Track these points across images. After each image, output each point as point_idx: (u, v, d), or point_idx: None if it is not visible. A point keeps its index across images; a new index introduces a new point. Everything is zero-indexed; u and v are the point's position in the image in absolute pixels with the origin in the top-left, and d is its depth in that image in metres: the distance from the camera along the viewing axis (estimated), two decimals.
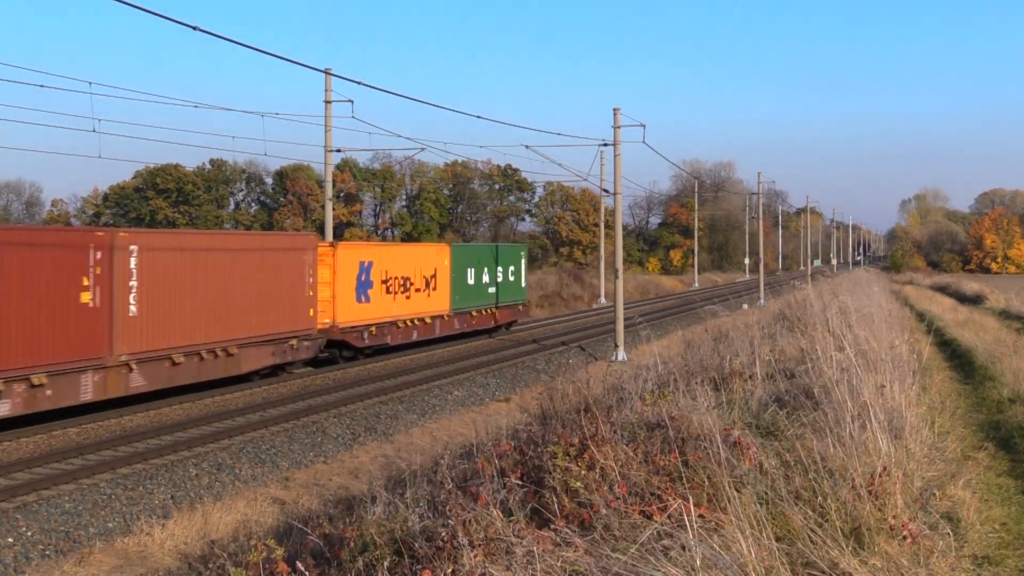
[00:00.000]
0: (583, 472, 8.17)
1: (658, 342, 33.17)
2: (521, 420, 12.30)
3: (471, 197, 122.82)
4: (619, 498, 7.75)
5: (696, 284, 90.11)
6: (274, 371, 26.79)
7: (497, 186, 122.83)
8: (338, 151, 38.31)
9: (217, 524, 14.76)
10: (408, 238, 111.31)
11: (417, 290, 33.39)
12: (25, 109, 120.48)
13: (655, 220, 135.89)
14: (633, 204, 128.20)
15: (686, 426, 9.32)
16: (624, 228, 44.31)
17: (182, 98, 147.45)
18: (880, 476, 8.01)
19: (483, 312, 38.25)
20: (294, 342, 26.55)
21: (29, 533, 13.89)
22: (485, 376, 28.90)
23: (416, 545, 7.47)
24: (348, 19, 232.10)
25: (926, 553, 7.30)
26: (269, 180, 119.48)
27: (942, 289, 73.23)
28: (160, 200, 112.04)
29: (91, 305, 19.94)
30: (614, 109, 34.05)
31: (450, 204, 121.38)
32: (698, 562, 6.08)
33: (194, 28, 13.79)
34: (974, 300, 55.94)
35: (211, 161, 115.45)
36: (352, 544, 8.07)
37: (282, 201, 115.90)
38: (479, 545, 6.98)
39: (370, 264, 30.58)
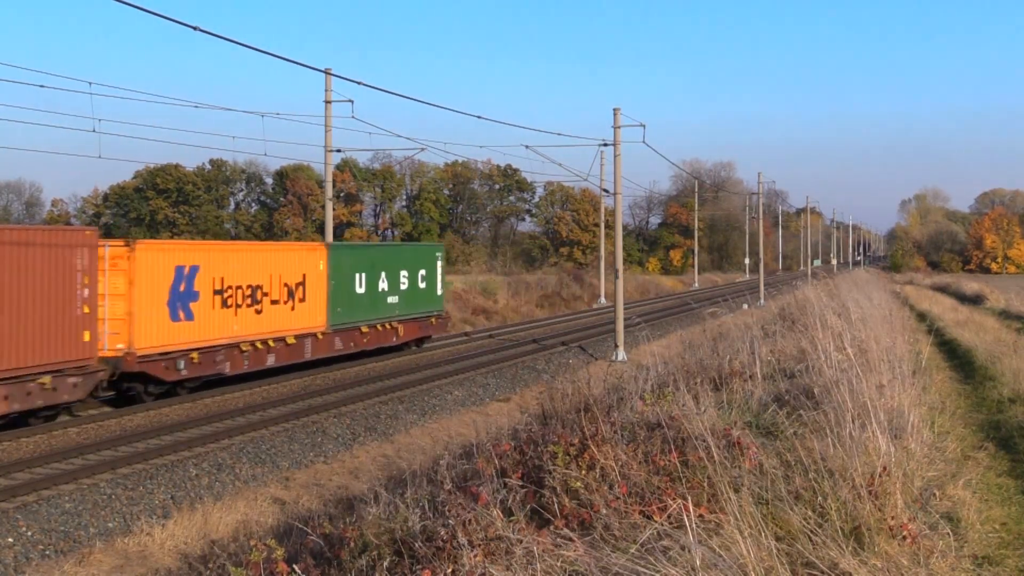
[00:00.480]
0: (583, 472, 8.17)
1: (658, 342, 33.21)
2: (521, 420, 12.28)
3: (471, 197, 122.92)
4: (619, 498, 7.75)
5: (696, 284, 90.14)
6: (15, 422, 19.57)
7: (497, 186, 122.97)
8: (338, 151, 38.36)
9: (217, 524, 14.78)
10: (408, 238, 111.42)
11: (274, 302, 26.35)
12: (25, 109, 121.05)
13: (655, 220, 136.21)
14: (633, 204, 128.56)
15: (686, 426, 9.31)
16: (624, 228, 44.33)
17: (182, 98, 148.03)
18: (880, 476, 8.00)
19: (380, 328, 31.40)
20: (46, 380, 19.32)
21: (29, 533, 13.90)
22: (485, 376, 28.93)
23: (416, 545, 7.48)
24: (348, 19, 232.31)
25: (926, 553, 7.30)
26: (269, 180, 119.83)
27: (942, 289, 73.20)
28: (160, 200, 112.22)
29: None
30: (614, 109, 34.13)
31: (450, 204, 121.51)
32: (698, 562, 6.08)
33: (195, 28, 13.80)
34: (974, 300, 55.90)
35: (211, 161, 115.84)
36: (352, 544, 8.08)
37: (282, 201, 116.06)
38: (479, 545, 6.98)
39: (194, 269, 23.69)
